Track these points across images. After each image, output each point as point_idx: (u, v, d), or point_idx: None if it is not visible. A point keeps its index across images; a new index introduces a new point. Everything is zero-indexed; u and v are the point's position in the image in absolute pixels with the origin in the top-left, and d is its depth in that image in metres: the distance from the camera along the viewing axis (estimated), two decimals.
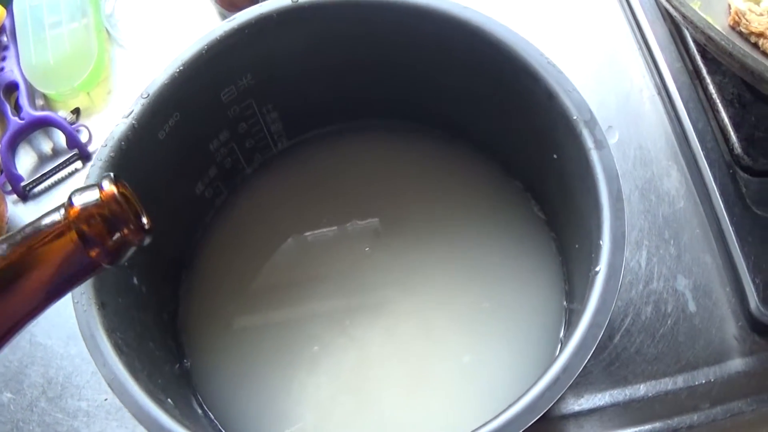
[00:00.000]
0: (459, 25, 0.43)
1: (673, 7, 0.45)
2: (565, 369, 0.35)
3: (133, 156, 0.42)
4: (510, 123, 0.47)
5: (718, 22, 0.53)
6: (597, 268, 0.37)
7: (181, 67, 0.43)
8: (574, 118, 0.40)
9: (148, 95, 0.43)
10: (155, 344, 0.45)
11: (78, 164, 0.59)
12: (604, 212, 0.38)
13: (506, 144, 0.50)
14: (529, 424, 0.34)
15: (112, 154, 0.41)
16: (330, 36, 0.46)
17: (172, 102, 0.43)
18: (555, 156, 0.43)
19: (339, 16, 0.45)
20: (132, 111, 0.42)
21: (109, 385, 0.37)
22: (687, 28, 0.48)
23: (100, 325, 0.39)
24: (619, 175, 0.39)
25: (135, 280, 0.44)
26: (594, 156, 0.39)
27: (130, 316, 0.42)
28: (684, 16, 0.45)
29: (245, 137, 0.50)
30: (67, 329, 0.52)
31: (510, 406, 0.34)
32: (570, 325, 0.45)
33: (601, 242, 0.37)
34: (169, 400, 0.40)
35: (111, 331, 0.39)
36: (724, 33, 0.52)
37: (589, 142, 0.39)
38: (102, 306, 0.39)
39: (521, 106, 0.44)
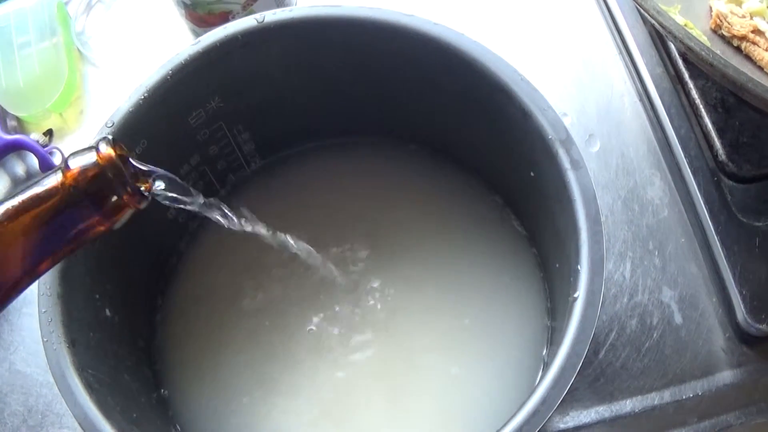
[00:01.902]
0: (430, 42, 0.42)
1: (651, 16, 0.44)
2: (544, 401, 0.34)
3: None
4: (487, 140, 0.46)
5: (699, 26, 0.51)
6: (576, 294, 0.36)
7: (146, 94, 0.42)
8: (550, 137, 0.39)
9: (113, 124, 0.41)
10: (130, 376, 0.44)
11: None
12: (582, 236, 0.37)
13: (485, 160, 0.49)
14: None
15: None
16: (298, 55, 0.45)
17: (138, 129, 0.42)
18: (532, 174, 0.43)
19: (306, 35, 0.43)
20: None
21: (81, 425, 0.37)
22: (667, 37, 0.47)
23: (71, 364, 0.38)
24: (596, 195, 0.38)
25: (108, 312, 0.43)
26: (570, 176, 0.38)
27: (103, 351, 0.42)
28: (663, 26, 0.44)
29: (217, 159, 0.49)
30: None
31: None
32: (552, 343, 0.44)
33: (579, 267, 0.37)
34: None
35: (82, 369, 0.38)
36: (706, 37, 0.51)
37: (566, 162, 0.39)
38: (72, 344, 0.38)
39: (497, 124, 0.43)
